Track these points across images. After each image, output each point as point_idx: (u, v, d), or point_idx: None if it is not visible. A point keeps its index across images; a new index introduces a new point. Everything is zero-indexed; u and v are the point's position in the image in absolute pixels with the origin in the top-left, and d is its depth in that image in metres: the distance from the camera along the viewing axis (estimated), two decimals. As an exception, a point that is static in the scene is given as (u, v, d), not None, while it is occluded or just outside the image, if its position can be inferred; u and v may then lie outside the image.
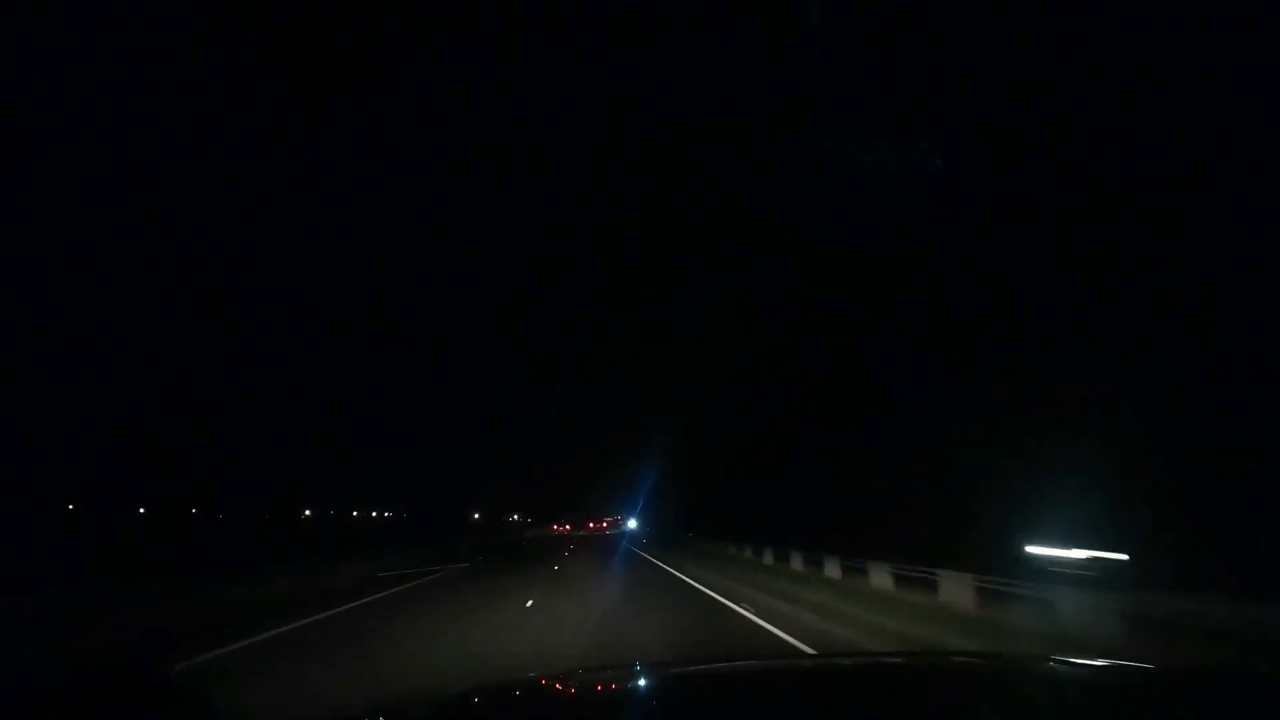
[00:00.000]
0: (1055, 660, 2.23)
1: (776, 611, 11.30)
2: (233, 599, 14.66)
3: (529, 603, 13.34)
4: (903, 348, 20.53)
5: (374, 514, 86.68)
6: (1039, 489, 12.63)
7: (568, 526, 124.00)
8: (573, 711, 1.93)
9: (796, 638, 8.79)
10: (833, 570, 14.48)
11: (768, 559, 19.49)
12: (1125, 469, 11.41)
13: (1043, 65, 14.83)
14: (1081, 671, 2.18)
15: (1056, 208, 14.87)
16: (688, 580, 17.61)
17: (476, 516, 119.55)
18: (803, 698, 1.91)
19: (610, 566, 25.47)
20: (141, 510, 48.94)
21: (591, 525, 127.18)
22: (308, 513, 69.37)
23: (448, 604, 14.13)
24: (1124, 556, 9.53)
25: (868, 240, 21.42)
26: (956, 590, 9.19)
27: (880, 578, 12.15)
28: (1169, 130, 12.73)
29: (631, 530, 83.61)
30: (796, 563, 17.02)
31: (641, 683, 2.34)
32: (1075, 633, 6.83)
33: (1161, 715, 1.61)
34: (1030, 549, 11.29)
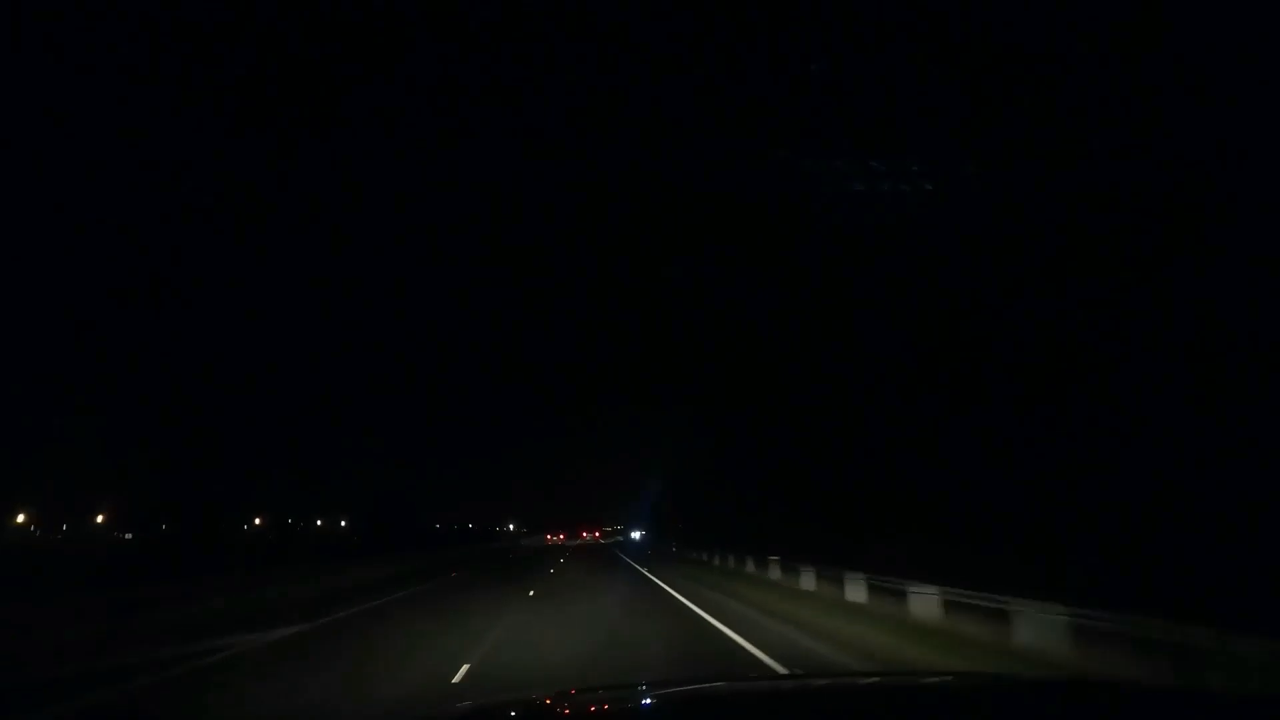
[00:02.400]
0: (1017, 680, 2.78)
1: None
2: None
3: (462, 670, 7.88)
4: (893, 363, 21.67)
5: (343, 523, 78.83)
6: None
7: (561, 536, 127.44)
8: None
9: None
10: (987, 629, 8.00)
11: (857, 593, 12.60)
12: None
13: (1038, 87, 15.65)
14: (1040, 693, 2.27)
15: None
16: (719, 626, 11.11)
17: (470, 526, 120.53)
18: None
19: (608, 589, 19.27)
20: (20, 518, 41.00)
21: (584, 534, 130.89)
22: (258, 521, 61.80)
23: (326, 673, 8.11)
24: None
25: (857, 253, 22.54)
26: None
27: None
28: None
29: (635, 541, 75.62)
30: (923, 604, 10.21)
31: (642, 704, 2.47)
32: (1026, 643, 7.95)
33: None
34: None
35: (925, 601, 10.66)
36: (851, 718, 2.00)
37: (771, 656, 8.71)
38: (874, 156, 16.08)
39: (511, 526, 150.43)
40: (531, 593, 17.63)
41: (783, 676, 6.30)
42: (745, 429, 37.07)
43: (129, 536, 48.43)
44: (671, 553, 42.13)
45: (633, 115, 40.85)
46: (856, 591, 13.26)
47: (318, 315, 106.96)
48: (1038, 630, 7.80)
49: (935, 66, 18.10)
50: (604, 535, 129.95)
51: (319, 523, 74.66)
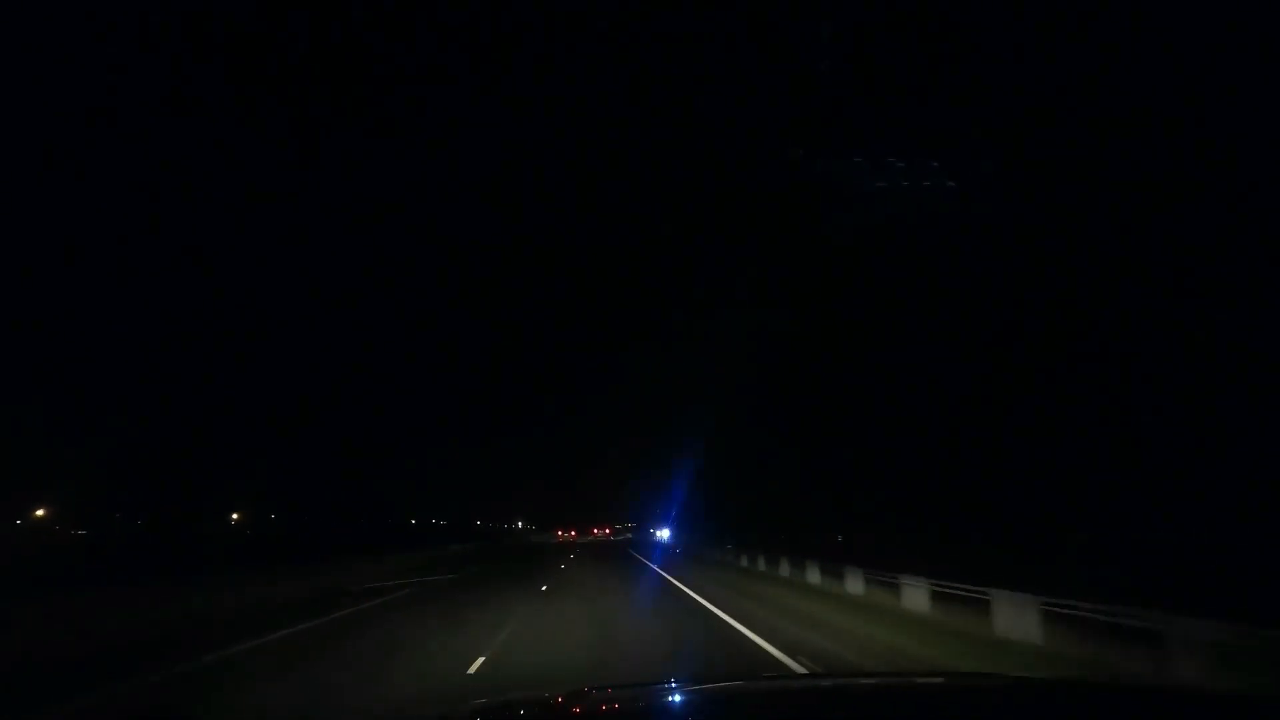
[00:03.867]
0: (1025, 681, 2.62)
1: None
2: None
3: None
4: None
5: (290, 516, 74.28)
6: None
7: (573, 533, 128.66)
8: None
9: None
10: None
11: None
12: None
13: (1054, 86, 15.76)
14: (1044, 695, 2.27)
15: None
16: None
17: (478, 523, 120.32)
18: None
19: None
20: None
21: (595, 531, 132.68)
22: (235, 516, 56.40)
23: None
24: None
25: (878, 252, 22.40)
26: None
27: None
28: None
29: (663, 542, 67.11)
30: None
31: (652, 703, 2.49)
32: (1005, 632, 8.70)
33: None
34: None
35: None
36: (867, 717, 1.99)
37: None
38: (888, 154, 15.95)
39: (520, 524, 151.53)
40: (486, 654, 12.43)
41: (797, 676, 6.32)
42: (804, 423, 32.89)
43: (83, 532, 43.28)
44: (727, 562, 29.30)
45: (640, 108, 41.51)
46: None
47: (314, 310, 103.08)
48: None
49: (947, 65, 18.58)
50: (614, 532, 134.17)
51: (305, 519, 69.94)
